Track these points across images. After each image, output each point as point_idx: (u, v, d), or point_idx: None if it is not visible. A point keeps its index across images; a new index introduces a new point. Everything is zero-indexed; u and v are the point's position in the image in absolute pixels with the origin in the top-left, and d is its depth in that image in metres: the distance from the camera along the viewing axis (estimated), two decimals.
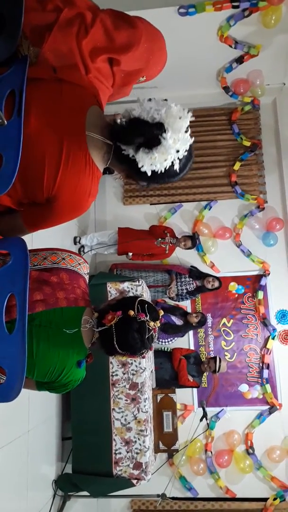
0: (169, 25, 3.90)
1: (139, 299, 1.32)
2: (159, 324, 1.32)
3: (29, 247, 1.43)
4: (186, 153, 1.14)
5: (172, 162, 1.10)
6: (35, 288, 1.25)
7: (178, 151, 1.10)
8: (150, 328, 1.29)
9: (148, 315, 1.29)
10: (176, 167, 1.11)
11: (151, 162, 1.09)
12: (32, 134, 1.10)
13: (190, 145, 1.15)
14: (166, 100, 1.12)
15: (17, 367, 1.15)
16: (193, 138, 1.13)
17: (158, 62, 1.45)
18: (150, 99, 1.11)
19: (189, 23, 4.04)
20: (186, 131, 1.10)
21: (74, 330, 1.28)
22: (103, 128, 1.17)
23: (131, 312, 1.27)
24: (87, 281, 1.45)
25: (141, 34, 1.31)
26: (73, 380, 1.32)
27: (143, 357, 1.45)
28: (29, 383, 1.29)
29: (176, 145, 1.08)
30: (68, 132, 1.12)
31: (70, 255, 1.41)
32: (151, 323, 1.29)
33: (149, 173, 1.11)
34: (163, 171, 1.11)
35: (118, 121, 1.13)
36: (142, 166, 1.09)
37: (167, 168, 1.10)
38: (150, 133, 1.08)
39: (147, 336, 1.28)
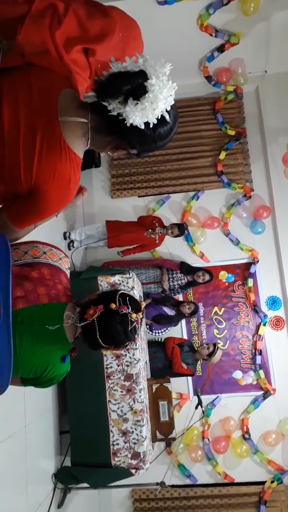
0: (148, 15, 3.88)
1: (120, 292, 1.32)
2: (141, 316, 1.32)
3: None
4: (172, 111, 1.11)
5: (161, 114, 1.08)
6: (16, 284, 1.24)
7: (166, 99, 1.07)
8: (133, 320, 1.29)
9: (129, 307, 1.29)
10: (167, 118, 1.09)
11: (142, 113, 1.04)
12: (6, 126, 1.09)
13: (174, 112, 1.13)
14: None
15: (4, 361, 1.16)
16: (175, 85, 1.10)
17: (134, 51, 1.45)
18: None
19: (168, 12, 4.03)
20: (168, 79, 1.08)
21: (57, 326, 1.28)
22: (77, 109, 1.14)
23: (113, 305, 1.27)
24: (68, 275, 1.44)
25: (115, 23, 1.30)
26: (58, 375, 1.33)
27: (127, 349, 1.46)
28: (13, 379, 1.29)
29: (163, 91, 1.05)
30: (40, 120, 1.10)
31: (51, 249, 1.40)
32: (133, 315, 1.29)
33: (142, 126, 1.05)
34: (155, 122, 1.07)
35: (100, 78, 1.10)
36: (133, 120, 1.04)
37: (158, 118, 1.07)
38: (135, 82, 1.05)
39: (130, 328, 1.28)
